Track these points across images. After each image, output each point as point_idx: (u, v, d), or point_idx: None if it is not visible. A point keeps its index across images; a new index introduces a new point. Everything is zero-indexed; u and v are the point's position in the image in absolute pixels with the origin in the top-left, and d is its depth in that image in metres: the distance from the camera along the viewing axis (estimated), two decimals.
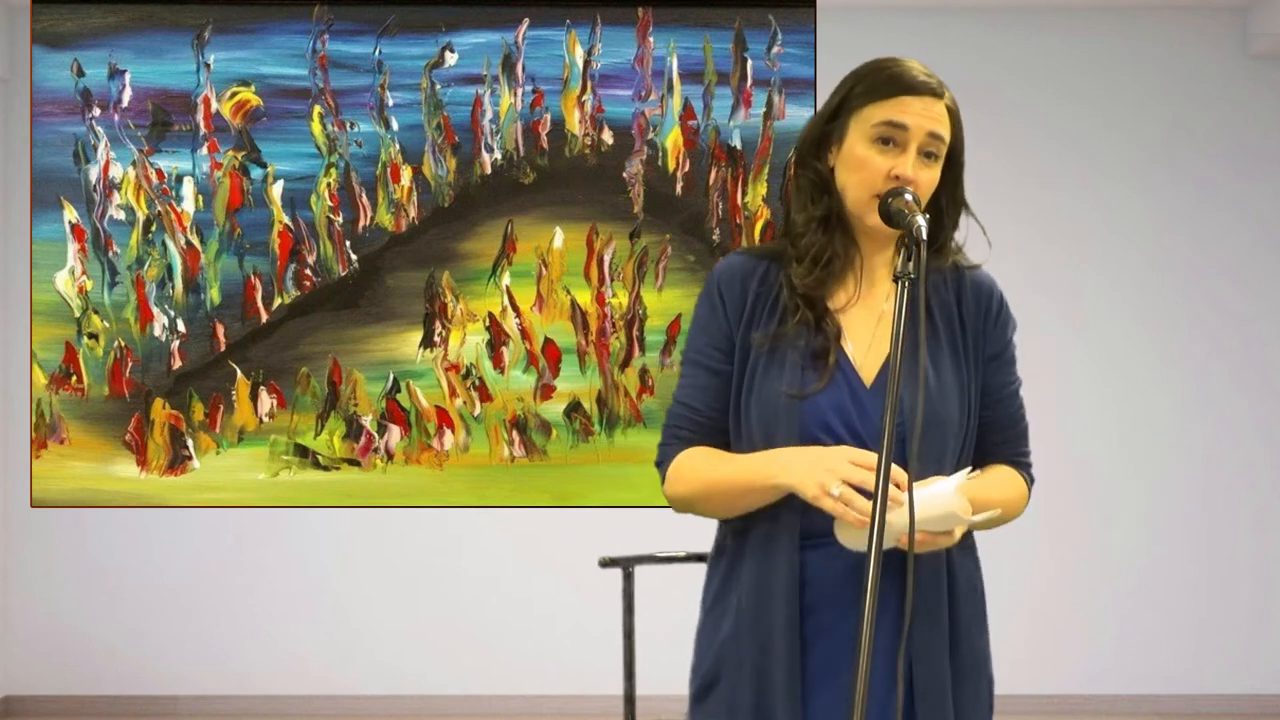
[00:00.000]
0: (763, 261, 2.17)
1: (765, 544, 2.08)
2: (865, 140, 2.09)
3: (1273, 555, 6.01)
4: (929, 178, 2.08)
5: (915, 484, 1.95)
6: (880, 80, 2.10)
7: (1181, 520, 6.01)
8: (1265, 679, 5.99)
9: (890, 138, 2.07)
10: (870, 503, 1.90)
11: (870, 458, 1.94)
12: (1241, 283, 6.03)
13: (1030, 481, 2.23)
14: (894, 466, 1.91)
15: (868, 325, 2.13)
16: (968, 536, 2.16)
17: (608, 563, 3.25)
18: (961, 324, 2.15)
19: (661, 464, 2.20)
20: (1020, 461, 2.22)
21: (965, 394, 2.12)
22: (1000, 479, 2.18)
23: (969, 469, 2.01)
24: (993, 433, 2.18)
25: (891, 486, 1.90)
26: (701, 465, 2.13)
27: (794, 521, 2.05)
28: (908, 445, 1.99)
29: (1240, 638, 5.99)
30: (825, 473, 1.97)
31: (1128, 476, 5.98)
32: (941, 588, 2.08)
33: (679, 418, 2.18)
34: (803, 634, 2.06)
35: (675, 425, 2.18)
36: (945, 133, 2.09)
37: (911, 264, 1.93)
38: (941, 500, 1.96)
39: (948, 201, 2.15)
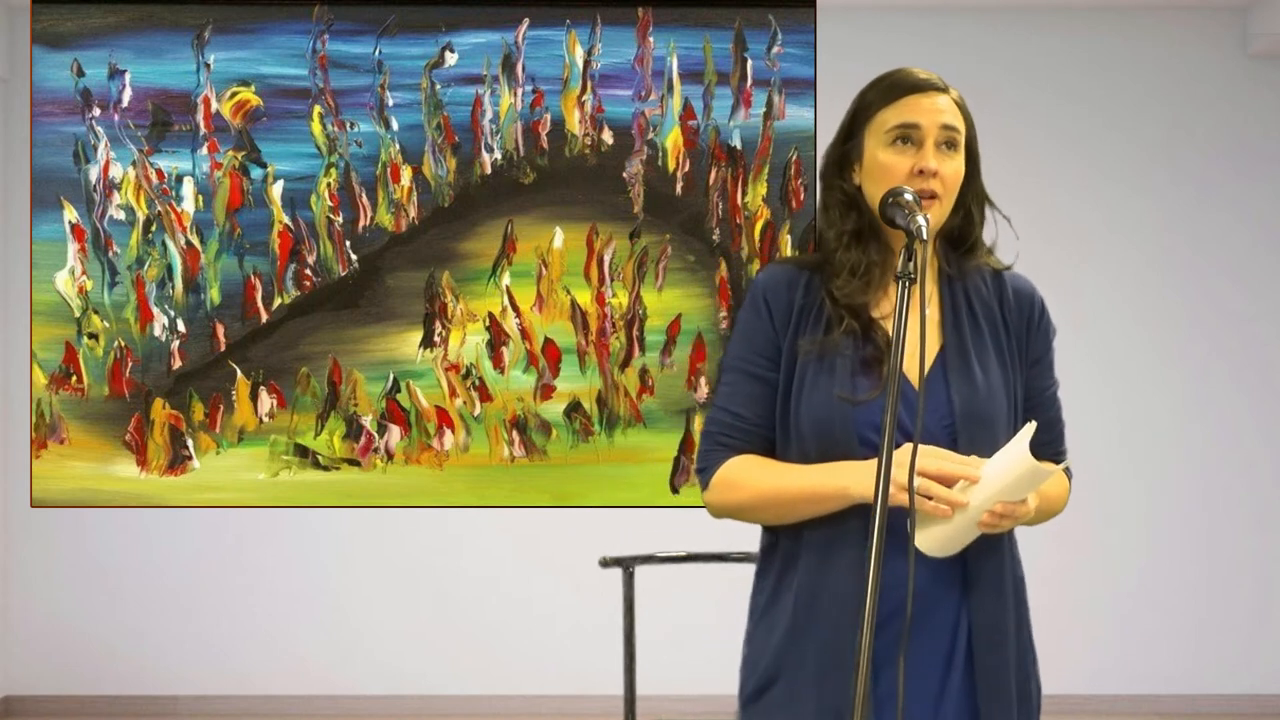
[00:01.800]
0: (805, 272, 2.19)
1: (825, 547, 2.10)
2: (883, 146, 2.14)
3: (1273, 555, 6.01)
4: (953, 168, 2.13)
5: (984, 461, 2.01)
6: (885, 87, 2.16)
7: (1181, 520, 6.02)
8: (1265, 679, 5.99)
9: (906, 137, 2.12)
10: (947, 490, 1.97)
11: (936, 450, 1.98)
12: (1241, 283, 6.04)
13: (1070, 477, 2.29)
14: (966, 457, 2.00)
15: (913, 330, 2.13)
16: (1014, 534, 2.18)
17: (608, 563, 3.25)
18: (1005, 325, 2.19)
19: (704, 470, 2.20)
20: (1061, 460, 2.25)
21: (1010, 392, 2.16)
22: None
23: (1032, 424, 2.02)
24: (1037, 433, 2.19)
25: (964, 472, 1.98)
26: (755, 474, 2.14)
27: (861, 525, 2.06)
28: (957, 443, 2.06)
29: (1240, 638, 5.99)
30: (895, 469, 1.98)
31: (1128, 476, 5.98)
32: (1005, 593, 2.11)
33: (723, 425, 2.18)
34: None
35: (719, 432, 2.19)
36: (958, 123, 2.14)
37: (912, 264, 1.95)
38: (1020, 459, 1.97)
39: (972, 197, 2.20)
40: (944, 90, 2.15)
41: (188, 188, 5.72)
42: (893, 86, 2.14)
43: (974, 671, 2.09)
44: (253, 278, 5.72)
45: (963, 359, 2.12)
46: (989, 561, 2.09)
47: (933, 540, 2.00)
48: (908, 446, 2.01)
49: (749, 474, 2.15)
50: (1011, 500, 1.99)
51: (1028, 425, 2.01)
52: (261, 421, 5.72)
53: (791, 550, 2.14)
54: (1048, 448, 2.23)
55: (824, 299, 2.15)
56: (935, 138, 2.11)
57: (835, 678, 2.06)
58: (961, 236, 2.21)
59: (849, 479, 2.04)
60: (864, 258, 2.15)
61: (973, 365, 2.12)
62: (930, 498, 1.97)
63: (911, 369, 2.10)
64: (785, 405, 2.14)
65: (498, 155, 5.74)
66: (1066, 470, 2.27)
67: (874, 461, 2.02)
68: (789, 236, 5.74)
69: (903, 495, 1.96)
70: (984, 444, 2.05)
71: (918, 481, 1.96)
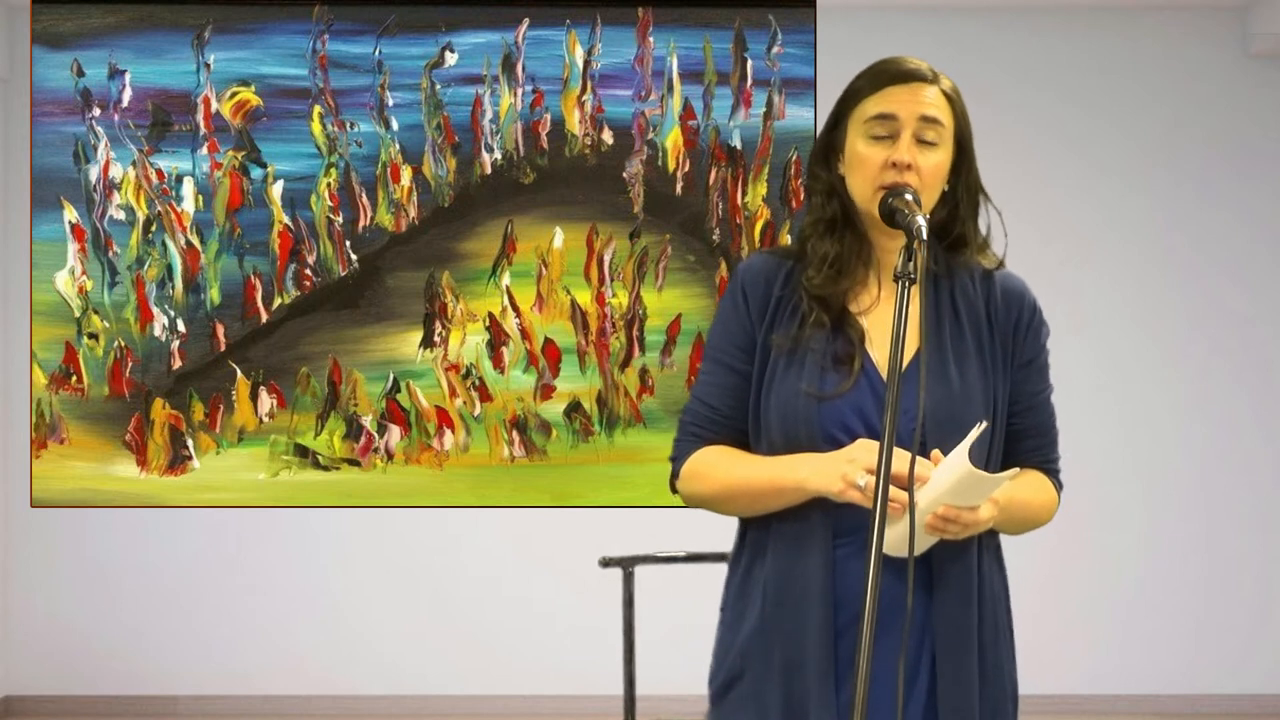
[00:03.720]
0: (787, 262, 2.17)
1: (792, 542, 2.08)
2: (862, 137, 2.10)
3: (1273, 555, 6.01)
4: (931, 163, 2.08)
5: (927, 467, 1.96)
6: (871, 75, 2.12)
7: (1181, 520, 6.01)
8: (1265, 679, 5.99)
9: (883, 130, 2.08)
10: (900, 490, 1.91)
11: (899, 452, 1.92)
12: (1241, 283, 6.04)
13: (1059, 488, 2.23)
14: (901, 459, 1.91)
15: (891, 326, 2.12)
16: (994, 538, 2.15)
17: (608, 563, 3.25)
18: (990, 327, 2.14)
19: (676, 460, 2.20)
20: (1050, 469, 2.22)
21: (990, 396, 2.11)
22: (1030, 483, 2.17)
23: (982, 424, 1.99)
24: (1024, 439, 2.18)
25: (894, 489, 1.90)
26: (721, 465, 2.13)
27: (825, 520, 2.05)
28: (927, 445, 2.00)
29: (1240, 638, 5.99)
30: (847, 464, 1.98)
31: (1128, 476, 5.98)
32: (970, 598, 2.08)
33: (696, 415, 2.18)
34: (834, 625, 2.05)
35: (692, 422, 2.18)
36: (942, 116, 2.09)
37: (912, 264, 1.93)
38: (956, 465, 1.94)
39: (963, 191, 2.15)
40: (931, 81, 2.10)
41: (188, 188, 5.72)
42: (877, 75, 2.10)
43: (935, 698, 2.06)
44: (253, 278, 5.72)
45: (939, 360, 2.08)
46: (954, 566, 2.06)
47: (888, 540, 1.96)
48: (860, 442, 2.00)
49: (715, 465, 2.14)
50: (959, 505, 1.96)
51: (978, 427, 1.98)
52: (261, 421, 5.72)
53: (760, 542, 2.13)
54: (1037, 454, 2.19)
55: (800, 291, 2.13)
56: (913, 130, 2.07)
57: (800, 676, 2.05)
58: (946, 230, 2.15)
59: (806, 472, 2.02)
60: (836, 248, 2.13)
61: (949, 366, 2.08)
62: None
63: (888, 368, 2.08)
64: (757, 398, 2.13)
65: (498, 155, 5.74)
66: (1057, 482, 2.22)
67: (831, 454, 2.01)
68: (789, 236, 5.73)
69: (854, 493, 1.95)
70: (955, 446, 2.00)
71: (867, 479, 1.94)
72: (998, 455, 2.14)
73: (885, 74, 2.10)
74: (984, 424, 2.00)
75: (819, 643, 2.04)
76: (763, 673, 2.09)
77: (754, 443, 2.14)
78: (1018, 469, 2.05)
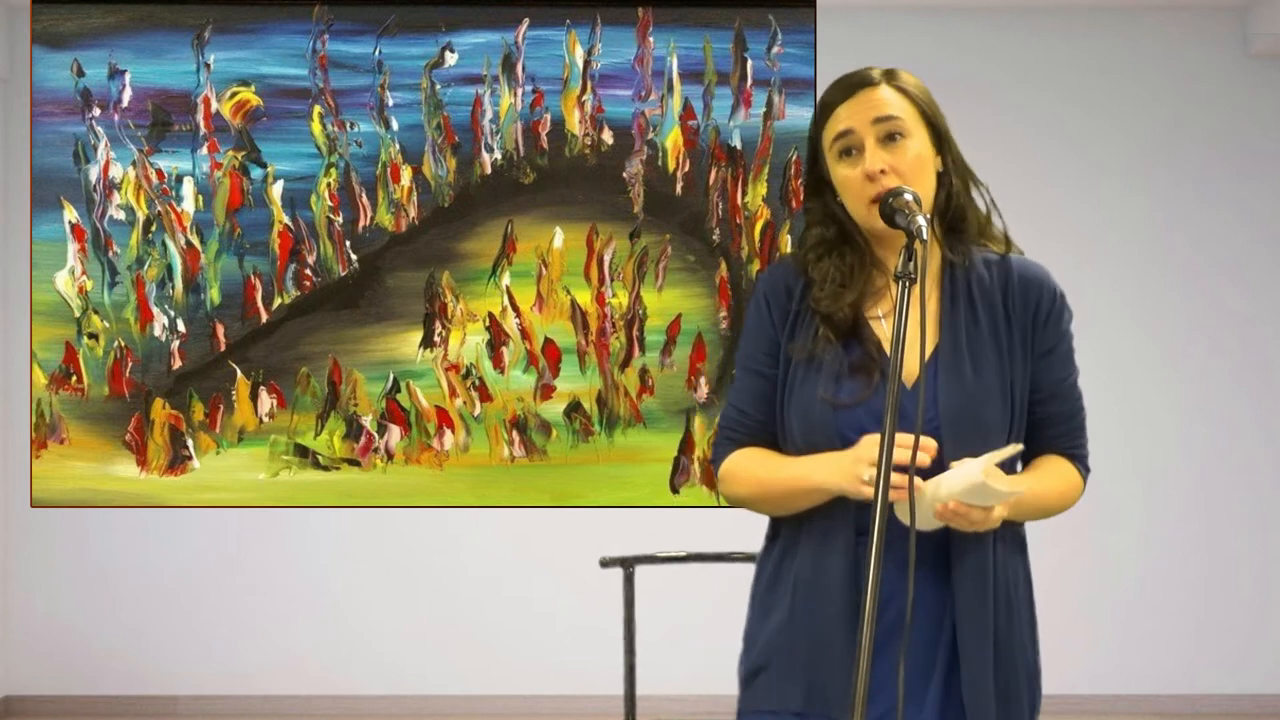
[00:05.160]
0: (804, 274, 2.21)
1: (820, 537, 2.13)
2: (836, 161, 2.16)
3: (1273, 555, 6.01)
4: (908, 156, 2.11)
5: (932, 445, 2.00)
6: (821, 105, 2.18)
7: (1181, 520, 6.02)
8: (1265, 679, 5.99)
9: (848, 147, 2.14)
10: (906, 476, 1.93)
11: (904, 437, 1.94)
12: (1241, 283, 6.04)
13: (1085, 472, 2.23)
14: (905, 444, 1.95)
15: (910, 329, 2.11)
16: (1017, 531, 2.17)
17: (608, 563, 3.25)
18: (1007, 317, 2.16)
19: (714, 463, 2.28)
20: (1076, 454, 2.22)
21: (1008, 391, 2.13)
22: (1051, 470, 2.19)
23: (1018, 447, 2.03)
24: (1050, 427, 2.19)
25: (901, 476, 1.94)
26: (752, 468, 2.20)
27: (848, 516, 2.09)
28: (943, 445, 2.04)
29: (1240, 638, 5.99)
30: (856, 462, 2.02)
31: (1128, 476, 5.98)
32: (986, 587, 2.10)
33: (731, 420, 2.25)
34: (857, 618, 2.07)
35: (728, 427, 2.25)
36: (895, 110, 2.12)
37: (912, 264, 1.95)
38: (971, 472, 1.96)
39: (953, 171, 2.18)
40: (877, 83, 2.14)
41: (188, 188, 5.72)
42: (825, 102, 2.17)
43: (958, 662, 2.09)
44: (253, 278, 5.72)
45: (955, 358, 2.11)
46: (970, 557, 2.09)
47: (909, 517, 1.99)
48: (866, 439, 2.02)
49: (747, 468, 2.20)
50: (970, 503, 1.98)
51: (1011, 448, 2.01)
52: (261, 421, 5.72)
53: (792, 538, 2.18)
54: (1061, 441, 2.20)
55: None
56: (874, 135, 2.11)
57: (825, 663, 2.10)
58: (946, 211, 2.18)
59: (824, 474, 2.07)
60: (838, 262, 2.17)
61: (964, 365, 2.11)
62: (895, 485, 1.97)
63: (904, 370, 2.09)
64: (780, 404, 2.18)
65: (498, 155, 5.74)
66: (1083, 467, 2.23)
67: (842, 453, 2.05)
68: (789, 236, 5.74)
69: (868, 489, 1.97)
70: (974, 444, 2.04)
71: (873, 473, 1.96)
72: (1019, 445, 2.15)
73: (831, 94, 2.16)
74: (1019, 446, 2.04)
75: (841, 635, 2.08)
76: (787, 663, 2.14)
77: (782, 444, 2.19)
78: (1026, 486, 2.07)
